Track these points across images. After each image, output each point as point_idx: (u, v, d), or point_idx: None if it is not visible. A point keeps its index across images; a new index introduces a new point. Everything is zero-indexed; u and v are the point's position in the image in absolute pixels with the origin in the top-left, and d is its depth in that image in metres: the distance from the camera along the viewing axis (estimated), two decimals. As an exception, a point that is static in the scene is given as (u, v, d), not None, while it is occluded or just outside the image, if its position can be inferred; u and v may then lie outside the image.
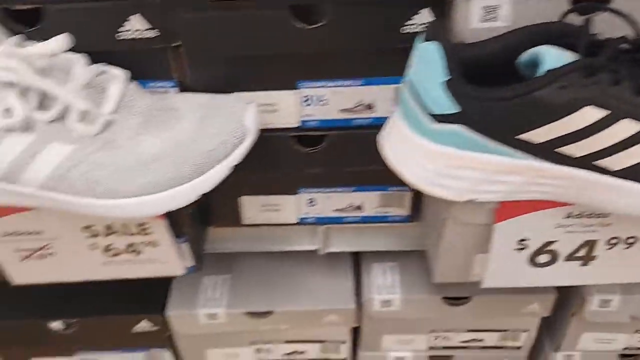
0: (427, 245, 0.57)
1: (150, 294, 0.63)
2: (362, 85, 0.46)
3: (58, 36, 0.37)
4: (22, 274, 0.51)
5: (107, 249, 0.49)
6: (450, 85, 0.37)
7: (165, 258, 0.50)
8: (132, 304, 0.62)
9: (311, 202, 0.55)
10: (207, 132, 0.41)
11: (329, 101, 0.47)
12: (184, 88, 0.46)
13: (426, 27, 0.40)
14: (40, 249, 0.48)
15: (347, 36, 0.42)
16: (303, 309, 0.63)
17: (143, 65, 0.44)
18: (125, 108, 0.41)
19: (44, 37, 0.41)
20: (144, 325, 0.63)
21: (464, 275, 0.53)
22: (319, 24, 0.41)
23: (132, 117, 0.41)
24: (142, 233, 0.47)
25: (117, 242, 0.48)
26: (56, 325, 0.62)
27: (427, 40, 0.37)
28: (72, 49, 0.41)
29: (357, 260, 0.67)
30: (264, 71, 0.45)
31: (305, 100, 0.47)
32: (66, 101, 0.39)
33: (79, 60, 0.40)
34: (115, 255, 0.49)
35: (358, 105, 0.47)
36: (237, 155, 0.41)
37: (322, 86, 0.46)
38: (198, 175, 0.40)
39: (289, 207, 0.55)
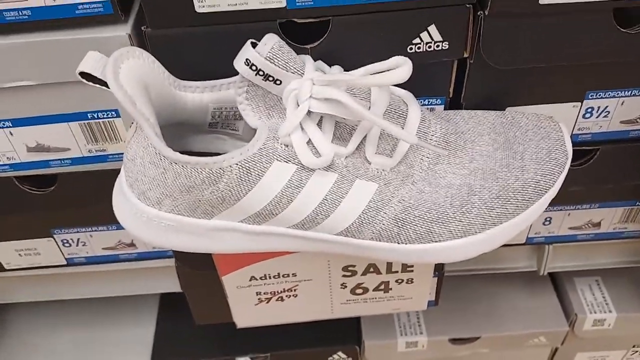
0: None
1: (342, 325, 0.58)
2: (654, 94, 0.40)
3: (405, 66, 0.31)
4: (250, 318, 0.45)
5: (357, 287, 0.43)
6: None
7: (414, 294, 0.44)
8: (326, 336, 0.57)
9: (547, 220, 0.49)
10: (524, 159, 0.35)
11: (611, 113, 0.41)
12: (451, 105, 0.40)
13: None
14: (285, 291, 0.42)
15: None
16: (510, 334, 0.58)
17: (418, 80, 0.38)
18: (420, 135, 0.35)
19: (326, 52, 0.35)
20: (338, 357, 0.57)
21: None
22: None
23: (428, 145, 0.35)
24: (405, 271, 0.41)
25: (369, 281, 0.42)
26: (244, 361, 0.57)
27: None
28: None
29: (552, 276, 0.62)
30: (550, 82, 0.39)
31: (587, 113, 0.41)
32: (374, 127, 0.33)
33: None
34: (363, 293, 0.43)
35: (642, 116, 0.41)
36: (558, 186, 0.35)
37: (613, 96, 0.40)
38: (521, 211, 0.34)
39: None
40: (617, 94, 0.40)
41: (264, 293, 0.42)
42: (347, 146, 0.33)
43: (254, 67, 0.31)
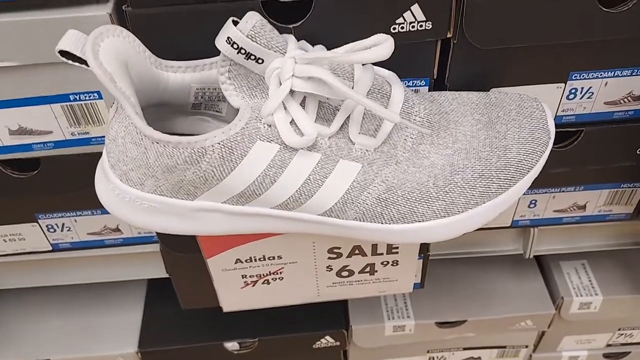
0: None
1: (329, 309, 0.58)
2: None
3: (386, 43, 0.30)
4: (236, 302, 0.45)
5: (342, 269, 0.43)
6: None
7: (399, 276, 0.44)
8: (313, 320, 0.57)
9: (532, 203, 0.50)
10: (507, 139, 0.35)
11: (595, 94, 0.41)
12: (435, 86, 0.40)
13: None
14: (271, 274, 0.42)
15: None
16: (497, 317, 0.58)
17: (402, 62, 0.38)
18: (404, 114, 0.35)
19: (309, 32, 0.35)
20: (326, 341, 0.58)
21: None
22: (625, 9, 0.35)
23: (411, 125, 0.35)
24: (390, 252, 0.42)
25: (355, 263, 0.42)
26: (232, 345, 0.57)
27: None
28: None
29: (538, 260, 0.63)
30: (533, 63, 0.39)
31: (571, 94, 0.41)
32: (359, 106, 0.32)
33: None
34: (348, 276, 0.44)
35: (626, 97, 0.42)
36: (541, 165, 0.35)
37: (596, 77, 0.40)
38: (504, 190, 0.35)
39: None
40: (601, 75, 0.40)
41: (250, 276, 0.42)
42: (330, 126, 0.33)
43: (235, 46, 0.31)
